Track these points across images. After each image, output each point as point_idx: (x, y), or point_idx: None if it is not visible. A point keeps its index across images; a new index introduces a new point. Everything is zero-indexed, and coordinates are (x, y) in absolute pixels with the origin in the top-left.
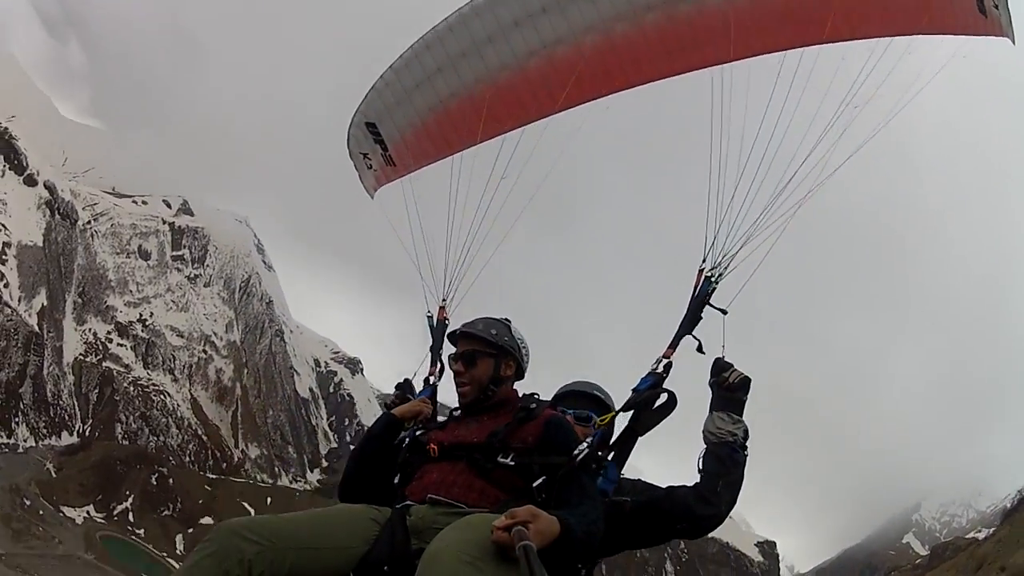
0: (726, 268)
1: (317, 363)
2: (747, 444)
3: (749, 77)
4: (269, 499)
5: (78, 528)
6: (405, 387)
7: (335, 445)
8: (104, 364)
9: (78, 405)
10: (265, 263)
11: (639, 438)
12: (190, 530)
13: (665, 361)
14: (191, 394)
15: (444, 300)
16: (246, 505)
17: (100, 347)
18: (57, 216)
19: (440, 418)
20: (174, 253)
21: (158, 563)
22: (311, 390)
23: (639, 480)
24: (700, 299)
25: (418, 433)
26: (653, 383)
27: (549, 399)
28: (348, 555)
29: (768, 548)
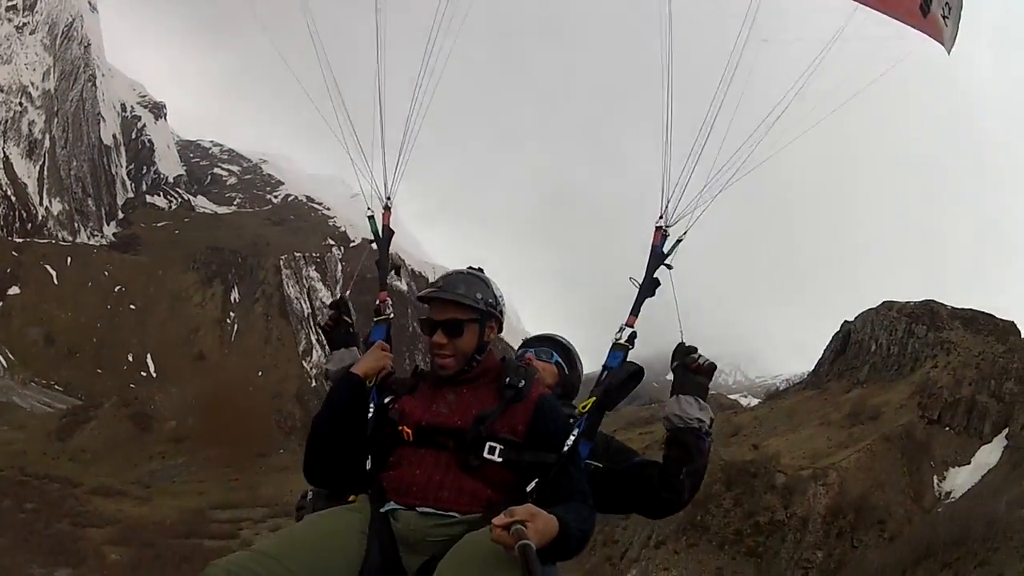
0: (678, 220)
1: (123, 108)
2: (711, 431)
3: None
4: (69, 259)
5: None
6: (342, 307)
7: (131, 195)
8: None
9: None
10: (90, 3)
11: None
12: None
13: (629, 331)
14: (3, 152)
15: (389, 199)
16: (49, 268)
17: None
18: None
19: (400, 374)
20: (8, 3)
21: None
22: (115, 136)
23: (613, 439)
24: (659, 257)
25: (386, 400)
26: (623, 359)
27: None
28: None
29: None
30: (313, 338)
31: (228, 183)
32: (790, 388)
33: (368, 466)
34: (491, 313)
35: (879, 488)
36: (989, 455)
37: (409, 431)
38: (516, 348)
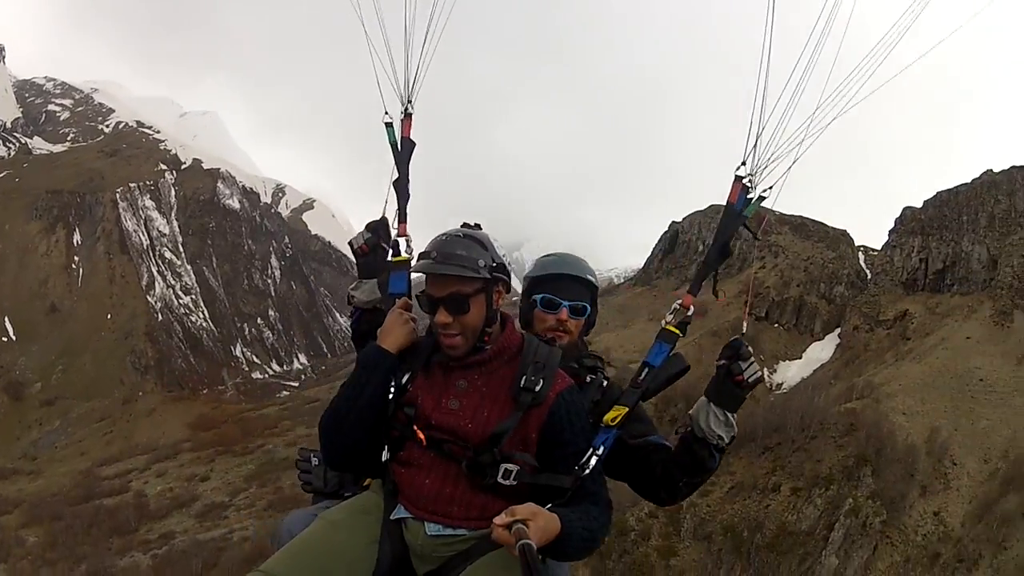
0: (766, 172)
1: None
2: (728, 446)
3: None
4: None
5: None
6: (380, 230)
7: None
8: None
9: None
10: None
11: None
12: None
13: (683, 313)
14: None
15: (410, 101)
16: None
17: None
18: None
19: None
20: None
21: None
22: None
23: (640, 407)
24: (735, 217)
25: (404, 380)
26: (669, 353)
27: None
28: None
29: None
30: (155, 270)
31: (62, 119)
32: (621, 285)
33: (384, 456)
34: (497, 278)
35: (707, 379)
36: (821, 351)
37: (423, 437)
38: (526, 289)
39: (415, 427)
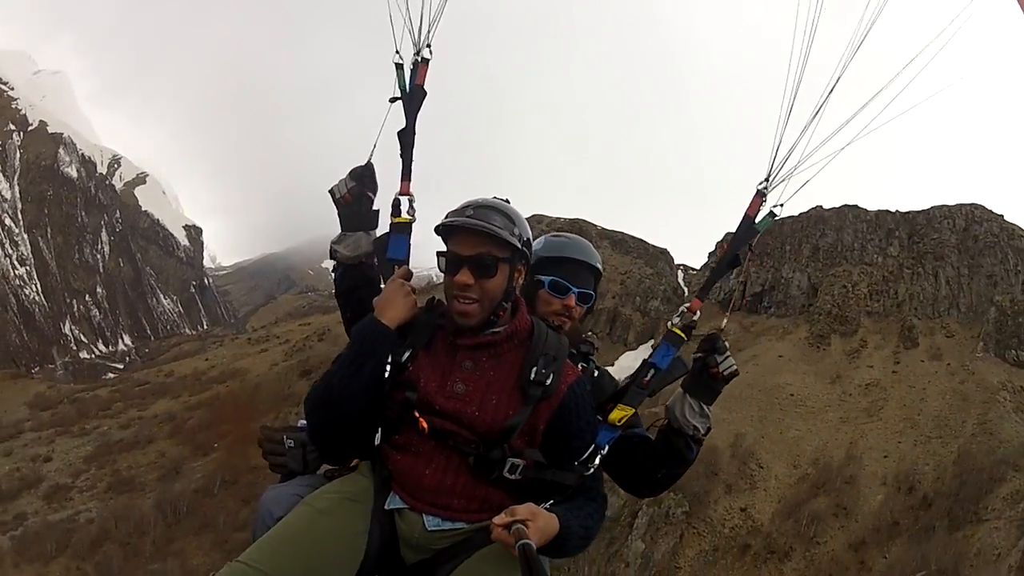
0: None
1: None
2: (704, 438)
3: None
4: None
5: None
6: (366, 178)
7: None
8: None
9: None
10: None
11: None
12: None
13: (693, 317)
14: None
15: (428, 46)
16: None
17: None
18: None
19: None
20: None
21: None
22: None
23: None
24: (750, 230)
25: (404, 359)
26: (675, 357)
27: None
28: None
29: (195, 233)
30: None
31: None
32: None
33: (377, 440)
34: (524, 253)
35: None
36: (634, 360)
37: (425, 425)
38: (533, 267)
39: (416, 413)
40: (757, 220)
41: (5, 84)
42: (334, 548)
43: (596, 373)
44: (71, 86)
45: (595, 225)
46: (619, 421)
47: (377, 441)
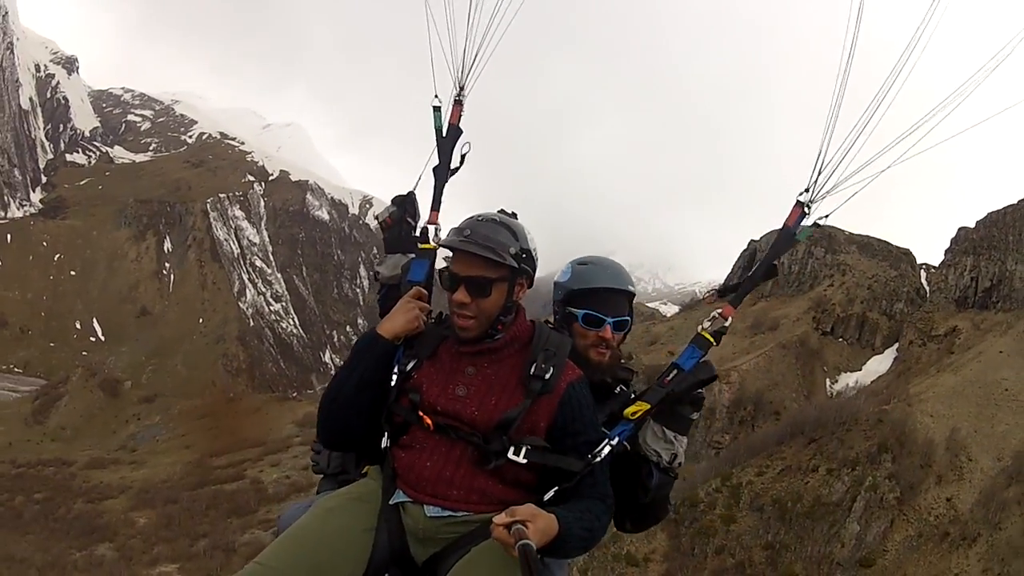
0: (824, 195)
1: (38, 68)
2: (673, 467)
3: None
4: (9, 236)
5: None
6: (407, 204)
7: (51, 156)
8: None
9: None
10: None
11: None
12: None
13: (722, 323)
14: None
15: (463, 90)
16: None
17: None
18: None
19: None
20: None
21: None
22: (31, 100)
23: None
24: (789, 239)
25: (409, 367)
26: (700, 359)
27: (558, 297)
28: None
29: None
30: (245, 277)
31: (142, 128)
32: (702, 301)
33: (384, 443)
34: (523, 270)
35: (775, 387)
36: (880, 364)
37: (430, 422)
38: (562, 299)
39: (420, 412)
40: (797, 232)
41: (234, 139)
42: (342, 544)
43: (632, 397)
44: (307, 136)
45: (843, 231)
46: (632, 415)
47: (385, 444)
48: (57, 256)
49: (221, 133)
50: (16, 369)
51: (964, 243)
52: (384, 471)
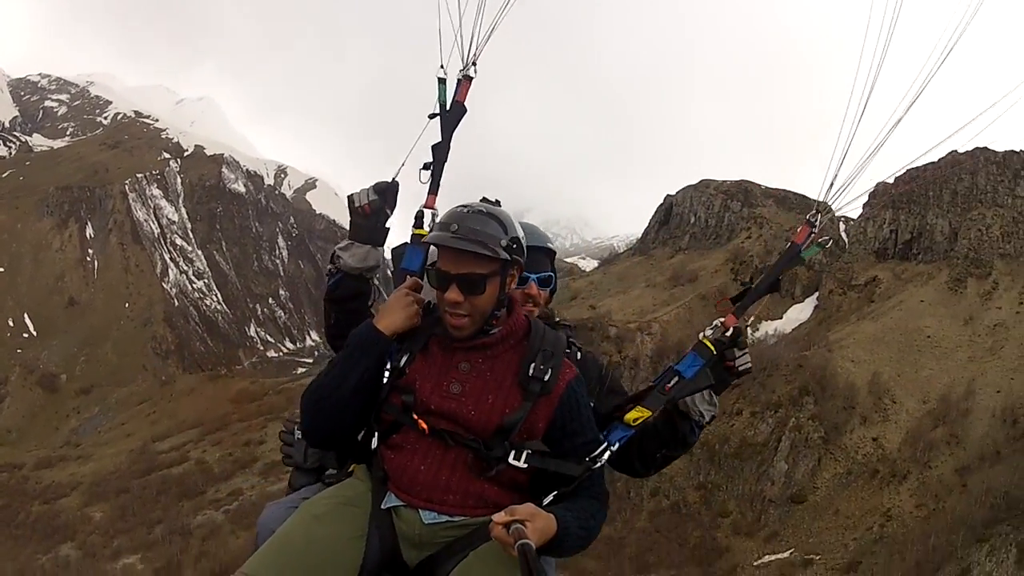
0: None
1: None
2: (708, 424)
3: None
4: None
5: None
6: (388, 194)
7: None
8: None
9: None
10: None
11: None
12: None
13: (725, 332)
14: None
15: (474, 63)
16: None
17: None
18: None
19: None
20: None
21: None
22: None
23: (610, 375)
24: (794, 257)
25: (402, 363)
26: (702, 368)
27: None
28: None
29: None
30: (167, 257)
31: (59, 114)
32: (620, 255)
33: (373, 444)
34: (515, 261)
35: (696, 335)
36: (800, 312)
37: (425, 426)
38: None
39: (415, 415)
40: (803, 250)
41: (148, 117)
42: (332, 553)
43: (579, 356)
44: (220, 110)
45: (759, 185)
46: (634, 422)
47: (374, 445)
48: None
49: (136, 112)
50: None
51: (883, 197)
52: (373, 472)
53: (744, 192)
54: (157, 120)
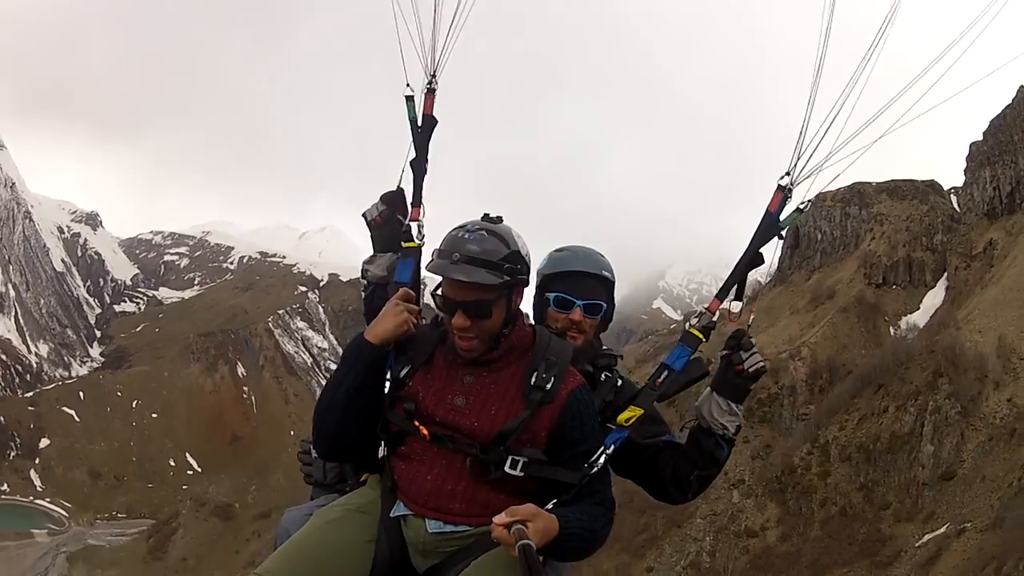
0: (804, 179)
1: (61, 230)
2: (735, 438)
3: None
4: (82, 394)
5: None
6: (396, 202)
7: (99, 310)
8: None
9: None
10: None
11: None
12: (36, 460)
13: (708, 318)
14: None
15: (434, 75)
16: (67, 410)
17: None
18: None
19: (423, 319)
20: None
21: (34, 509)
22: (63, 261)
23: (654, 407)
24: (773, 225)
25: (403, 374)
26: (690, 357)
27: (536, 278)
28: None
29: None
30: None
31: (182, 266)
32: (761, 289)
33: (381, 453)
34: (519, 279)
35: (844, 350)
36: (935, 298)
37: (426, 432)
38: (538, 284)
39: (416, 422)
40: (781, 217)
41: (274, 256)
42: (342, 557)
43: (619, 383)
44: (345, 235)
45: (870, 183)
46: (626, 422)
47: (382, 454)
48: (135, 402)
49: (261, 253)
50: (119, 515)
51: (979, 157)
52: (383, 482)
53: (858, 195)
54: (284, 257)
